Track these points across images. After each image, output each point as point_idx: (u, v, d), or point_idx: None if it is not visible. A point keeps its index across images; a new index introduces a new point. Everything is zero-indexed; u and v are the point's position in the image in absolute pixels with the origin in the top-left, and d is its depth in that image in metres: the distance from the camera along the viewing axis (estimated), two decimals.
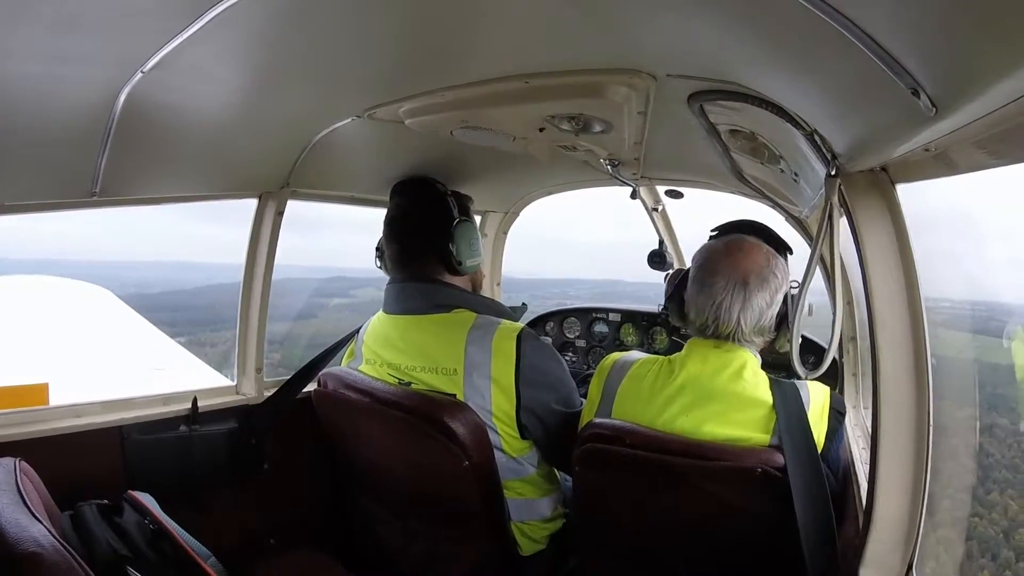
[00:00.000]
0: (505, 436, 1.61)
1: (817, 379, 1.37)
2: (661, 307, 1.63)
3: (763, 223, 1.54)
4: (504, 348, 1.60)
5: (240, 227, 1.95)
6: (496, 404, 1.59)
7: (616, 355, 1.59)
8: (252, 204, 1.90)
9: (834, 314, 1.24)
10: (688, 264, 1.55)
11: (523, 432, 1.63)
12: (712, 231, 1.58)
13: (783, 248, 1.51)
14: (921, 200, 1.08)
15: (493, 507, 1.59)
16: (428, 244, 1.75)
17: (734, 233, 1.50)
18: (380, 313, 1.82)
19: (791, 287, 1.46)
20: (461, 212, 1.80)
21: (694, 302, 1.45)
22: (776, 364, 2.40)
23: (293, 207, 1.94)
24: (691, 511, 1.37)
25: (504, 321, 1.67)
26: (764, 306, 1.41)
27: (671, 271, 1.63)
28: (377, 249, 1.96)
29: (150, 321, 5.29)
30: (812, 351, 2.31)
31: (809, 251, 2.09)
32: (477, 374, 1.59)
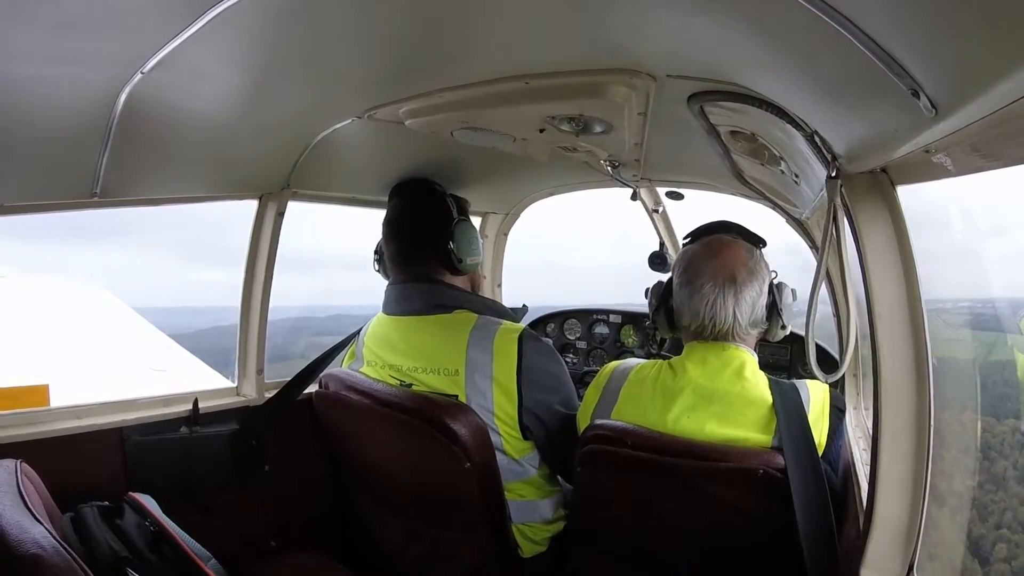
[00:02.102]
0: (507, 437, 1.61)
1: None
2: (648, 323, 1.64)
3: (733, 221, 1.57)
4: (506, 349, 1.60)
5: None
6: (498, 405, 1.59)
7: (614, 363, 1.60)
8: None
9: (848, 316, 1.23)
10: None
11: (525, 433, 1.63)
12: (685, 238, 1.61)
13: (757, 241, 1.54)
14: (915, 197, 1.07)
15: (494, 509, 1.59)
16: (428, 243, 1.75)
17: (708, 235, 1.53)
18: (380, 314, 1.82)
19: (772, 277, 1.49)
20: (460, 213, 1.80)
21: (687, 307, 1.46)
22: (775, 365, 2.41)
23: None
24: (692, 512, 1.37)
25: (505, 322, 1.67)
26: (755, 297, 1.44)
27: (651, 285, 1.64)
28: (376, 252, 1.96)
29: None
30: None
31: (807, 250, 2.11)
32: (479, 375, 1.59)
